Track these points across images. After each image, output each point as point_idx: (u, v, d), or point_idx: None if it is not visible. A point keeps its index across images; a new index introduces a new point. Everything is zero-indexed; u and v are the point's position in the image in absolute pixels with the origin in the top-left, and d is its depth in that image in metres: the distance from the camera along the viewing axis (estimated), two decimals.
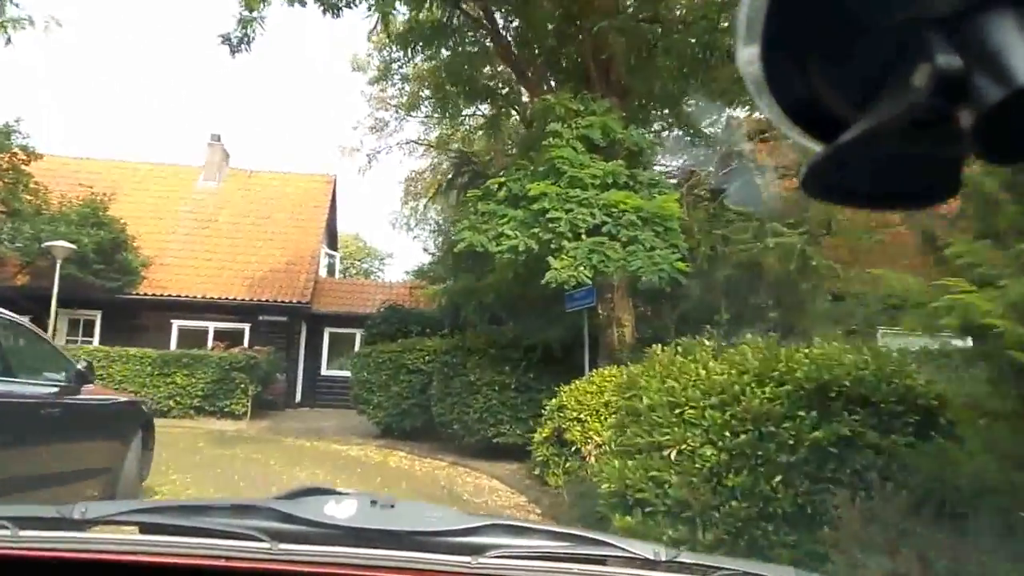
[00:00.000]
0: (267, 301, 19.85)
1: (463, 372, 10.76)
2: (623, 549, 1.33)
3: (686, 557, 1.38)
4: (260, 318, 19.88)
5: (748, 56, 0.45)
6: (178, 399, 15.52)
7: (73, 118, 59.21)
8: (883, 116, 0.42)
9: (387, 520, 1.30)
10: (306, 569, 1.17)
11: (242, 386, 15.48)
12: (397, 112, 21.83)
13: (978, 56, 0.39)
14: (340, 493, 1.40)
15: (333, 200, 24.09)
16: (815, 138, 0.47)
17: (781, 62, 0.44)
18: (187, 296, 19.59)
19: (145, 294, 19.41)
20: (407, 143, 23.32)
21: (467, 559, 1.21)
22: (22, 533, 1.21)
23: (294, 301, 20.00)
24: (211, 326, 19.86)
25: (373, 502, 1.37)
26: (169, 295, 19.54)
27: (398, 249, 48.65)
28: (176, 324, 19.73)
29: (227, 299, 19.74)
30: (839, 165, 0.46)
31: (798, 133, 0.48)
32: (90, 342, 18.69)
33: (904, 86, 0.41)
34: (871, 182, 0.49)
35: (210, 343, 18.74)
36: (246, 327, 19.98)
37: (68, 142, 57.85)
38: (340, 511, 1.30)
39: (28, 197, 18.58)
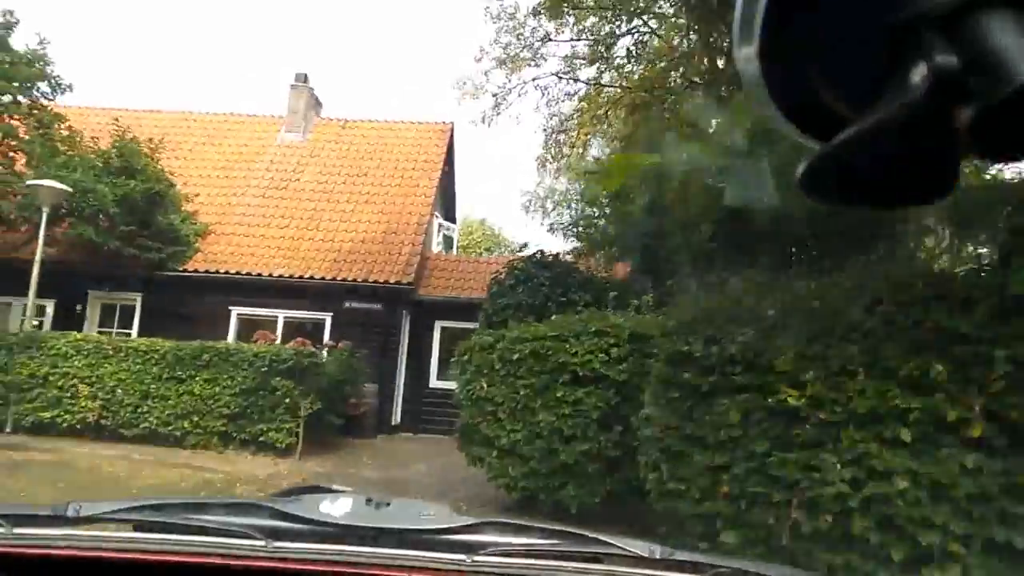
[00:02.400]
0: (355, 281, 14.05)
1: (749, 384, 3.78)
2: (618, 547, 1.32)
3: (681, 555, 1.35)
4: (346, 305, 14.09)
5: (746, 55, 0.44)
6: (196, 419, 9.73)
7: (145, 69, 56.49)
8: (881, 115, 0.42)
9: (383, 518, 1.31)
10: (301, 567, 1.17)
11: (287, 401, 9.44)
12: (536, 18, 15.42)
13: (975, 55, 0.38)
14: (336, 491, 1.40)
15: (450, 155, 18.13)
16: (813, 137, 0.47)
17: (779, 61, 0.44)
18: (251, 274, 14.16)
19: (196, 271, 14.18)
20: (546, 78, 16.75)
21: (463, 557, 1.20)
22: (16, 531, 1.20)
23: (392, 282, 14.08)
24: (280, 315, 14.32)
25: (369, 500, 1.36)
26: (227, 272, 14.20)
27: (534, 240, 41.19)
28: (235, 312, 14.31)
29: (303, 279, 14.16)
30: (837, 164, 0.45)
31: (796, 132, 0.48)
32: (128, 334, 13.56)
33: (902, 85, 0.41)
34: (868, 180, 0.48)
35: (279, 337, 13.01)
36: (327, 317, 14.28)
37: (139, 95, 53.85)
38: (336, 509, 1.29)
39: (61, 147, 13.76)
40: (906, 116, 0.40)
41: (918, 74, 0.40)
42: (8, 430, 10.12)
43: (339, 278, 14.19)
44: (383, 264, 14.61)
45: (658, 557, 1.28)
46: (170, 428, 9.75)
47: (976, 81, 0.38)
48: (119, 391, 9.85)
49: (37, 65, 13.35)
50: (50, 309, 14.23)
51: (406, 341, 14.83)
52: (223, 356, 9.89)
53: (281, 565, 1.15)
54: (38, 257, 10.85)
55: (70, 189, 11.17)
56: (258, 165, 16.92)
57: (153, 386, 9.83)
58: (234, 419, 9.59)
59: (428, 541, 1.24)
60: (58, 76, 13.71)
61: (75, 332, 10.59)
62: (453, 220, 19.70)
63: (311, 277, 14.19)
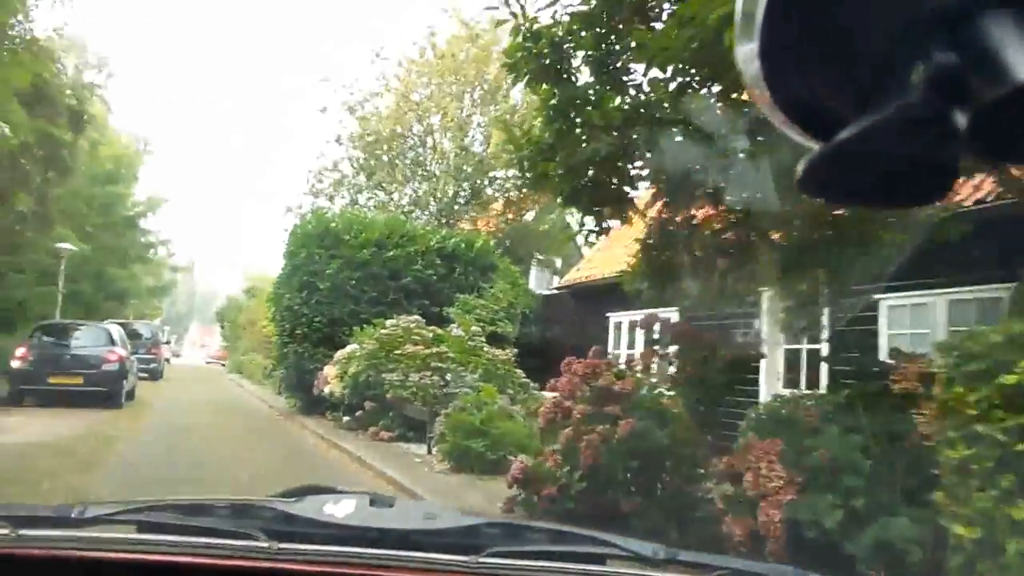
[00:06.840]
0: None
1: None
2: (621, 548, 1.32)
3: (685, 556, 1.34)
4: None
5: (746, 53, 0.45)
6: None
7: None
8: (881, 115, 0.42)
9: (386, 519, 1.30)
10: (305, 568, 1.17)
11: None
12: None
13: (975, 55, 0.39)
14: (339, 492, 1.39)
15: None
16: (813, 137, 0.47)
17: (780, 60, 0.44)
18: None
19: None
20: None
21: (466, 558, 1.20)
22: (21, 532, 1.19)
23: None
24: None
25: (372, 501, 1.35)
26: None
27: None
28: None
29: None
30: (836, 164, 0.45)
31: (796, 132, 0.47)
32: None
33: (902, 85, 0.41)
34: (867, 181, 0.48)
35: None
36: None
37: None
38: (339, 510, 1.29)
39: None
40: (905, 116, 0.40)
41: (918, 74, 0.39)
42: None
43: None
44: None
45: (661, 557, 1.27)
46: None
47: (975, 81, 0.38)
48: None
49: None
50: None
51: None
52: None
53: (285, 566, 1.17)
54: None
55: None
56: None
57: None
58: None
59: (431, 542, 1.25)
60: None
61: None
62: None
63: None
